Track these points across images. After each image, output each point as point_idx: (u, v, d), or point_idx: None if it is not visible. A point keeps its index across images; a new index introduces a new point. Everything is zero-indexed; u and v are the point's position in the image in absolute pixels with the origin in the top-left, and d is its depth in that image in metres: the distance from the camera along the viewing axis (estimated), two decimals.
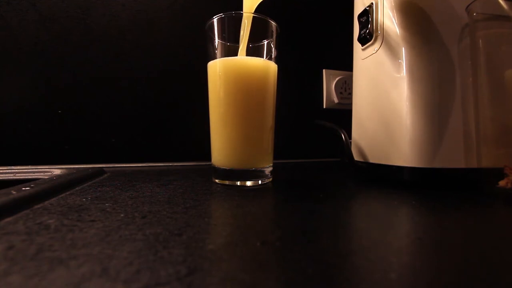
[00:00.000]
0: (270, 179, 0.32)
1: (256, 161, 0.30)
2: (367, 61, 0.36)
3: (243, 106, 0.29)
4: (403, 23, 0.30)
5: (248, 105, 0.29)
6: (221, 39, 0.30)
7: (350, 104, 0.42)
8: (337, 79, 0.64)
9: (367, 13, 0.35)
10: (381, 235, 0.16)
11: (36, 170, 0.38)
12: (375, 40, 0.34)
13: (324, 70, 0.64)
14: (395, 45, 0.31)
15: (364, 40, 0.35)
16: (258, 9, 0.30)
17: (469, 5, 0.28)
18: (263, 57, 0.31)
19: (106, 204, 0.20)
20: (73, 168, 0.40)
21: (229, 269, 0.11)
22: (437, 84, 0.28)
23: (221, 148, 0.30)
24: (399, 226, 0.18)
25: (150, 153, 0.52)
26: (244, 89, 0.29)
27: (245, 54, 0.29)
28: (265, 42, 0.31)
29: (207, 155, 0.33)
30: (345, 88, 0.65)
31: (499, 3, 0.27)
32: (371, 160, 0.35)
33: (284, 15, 0.61)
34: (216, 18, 0.29)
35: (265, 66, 0.30)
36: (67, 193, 0.24)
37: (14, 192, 0.20)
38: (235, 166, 0.29)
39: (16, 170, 0.38)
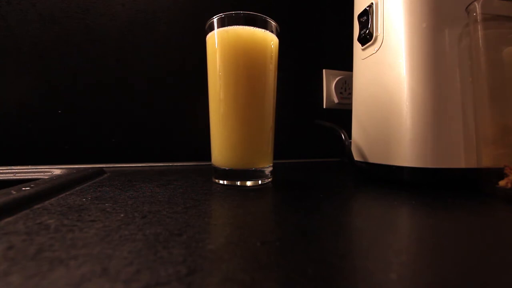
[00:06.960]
0: (270, 179, 0.32)
1: (256, 161, 0.30)
2: (367, 61, 0.36)
3: (243, 76, 0.29)
4: (403, 23, 0.30)
5: (248, 79, 0.29)
6: None
7: (350, 104, 0.42)
8: (337, 79, 0.64)
9: (367, 13, 0.35)
10: (381, 235, 0.16)
11: (36, 170, 0.38)
12: (375, 40, 0.34)
13: (324, 70, 0.64)
14: (395, 45, 0.31)
15: (364, 40, 0.35)
16: (259, 9, 0.30)
17: (469, 5, 0.28)
18: None
19: (106, 204, 0.20)
20: (73, 168, 0.40)
21: (229, 269, 0.11)
22: (437, 84, 0.28)
23: (221, 148, 0.30)
24: (399, 226, 0.18)
25: (150, 153, 0.52)
26: (243, 60, 0.29)
27: None
28: None
29: (207, 155, 0.33)
30: (345, 88, 0.65)
31: (499, 3, 0.27)
32: (371, 160, 0.35)
33: (284, 14, 0.61)
34: (216, 18, 0.29)
35: (264, 35, 0.29)
36: (67, 193, 0.24)
37: (14, 192, 0.20)
38: (235, 166, 0.29)
39: (16, 170, 0.38)
